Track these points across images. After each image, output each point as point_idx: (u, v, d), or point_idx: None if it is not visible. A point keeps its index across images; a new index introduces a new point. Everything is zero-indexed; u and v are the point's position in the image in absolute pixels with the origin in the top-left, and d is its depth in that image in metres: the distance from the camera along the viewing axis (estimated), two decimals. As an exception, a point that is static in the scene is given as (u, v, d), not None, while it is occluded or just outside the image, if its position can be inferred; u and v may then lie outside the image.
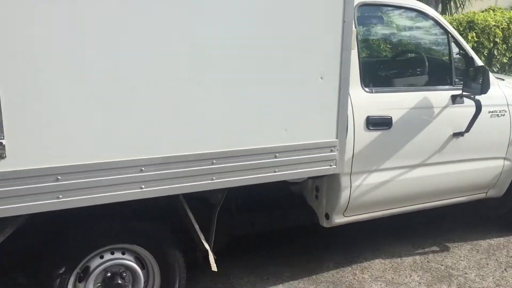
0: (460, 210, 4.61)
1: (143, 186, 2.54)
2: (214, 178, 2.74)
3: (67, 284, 2.64)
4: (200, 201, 3.09)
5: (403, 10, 4.09)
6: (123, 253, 2.82)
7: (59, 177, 2.33)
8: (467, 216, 4.91)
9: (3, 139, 2.18)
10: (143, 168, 2.53)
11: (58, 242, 2.65)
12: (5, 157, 2.20)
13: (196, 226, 2.94)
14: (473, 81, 3.62)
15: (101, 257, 2.75)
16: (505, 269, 3.95)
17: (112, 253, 2.78)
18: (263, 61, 2.76)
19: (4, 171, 2.20)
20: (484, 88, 3.55)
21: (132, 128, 2.47)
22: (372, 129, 3.39)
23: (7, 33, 2.13)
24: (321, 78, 2.93)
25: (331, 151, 3.07)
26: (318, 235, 4.47)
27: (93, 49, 2.32)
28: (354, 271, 3.85)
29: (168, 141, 2.58)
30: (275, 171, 2.92)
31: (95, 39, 2.31)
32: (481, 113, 3.69)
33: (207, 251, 3.03)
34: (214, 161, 2.72)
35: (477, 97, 3.65)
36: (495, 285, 3.70)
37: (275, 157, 2.90)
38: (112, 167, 2.45)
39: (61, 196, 2.35)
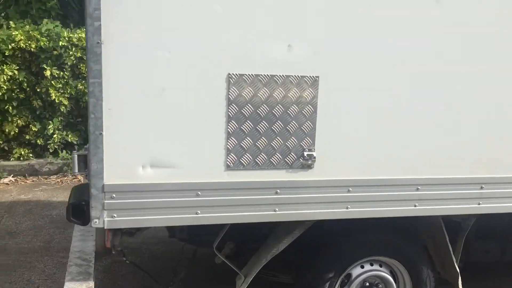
0: None
1: (416, 204, 2.68)
2: (480, 202, 2.78)
3: (334, 287, 2.87)
4: (450, 224, 3.13)
5: None
6: (380, 266, 2.97)
7: (350, 189, 2.57)
8: None
9: (314, 151, 2.47)
10: (419, 187, 2.67)
11: (331, 248, 2.89)
12: (313, 167, 2.49)
13: (450, 248, 2.98)
14: None
15: (362, 267, 2.93)
16: None
17: (371, 265, 2.95)
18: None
19: (311, 180, 2.50)
20: None
21: (403, 150, 2.64)
22: None
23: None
24: None
25: None
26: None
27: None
28: None
29: (441, 163, 2.69)
30: (540, 201, 2.86)
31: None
32: None
33: (450, 273, 3.06)
34: (483, 186, 2.76)
35: None
36: None
37: (544, 187, 2.84)
38: (393, 184, 2.63)
39: (349, 207, 2.58)
